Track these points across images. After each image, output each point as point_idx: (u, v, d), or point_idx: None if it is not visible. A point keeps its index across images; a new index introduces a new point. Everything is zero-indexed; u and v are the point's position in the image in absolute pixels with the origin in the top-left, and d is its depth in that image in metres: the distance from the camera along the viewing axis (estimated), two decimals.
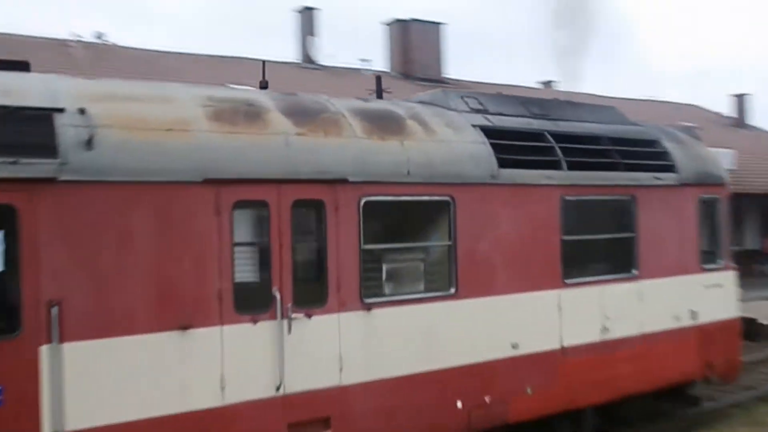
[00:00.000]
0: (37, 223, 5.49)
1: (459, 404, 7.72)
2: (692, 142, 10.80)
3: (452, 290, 7.74)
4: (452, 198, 7.71)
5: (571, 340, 8.69)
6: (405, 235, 7.91)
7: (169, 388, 6.03)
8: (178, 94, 6.68)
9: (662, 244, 9.69)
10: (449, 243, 7.75)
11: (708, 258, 10.31)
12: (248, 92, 7.68)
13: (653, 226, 9.57)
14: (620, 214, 9.44)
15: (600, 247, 9.35)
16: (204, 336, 6.20)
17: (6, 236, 5.51)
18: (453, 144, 7.93)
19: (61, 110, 5.69)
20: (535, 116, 9.16)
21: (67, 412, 5.56)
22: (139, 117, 6.13)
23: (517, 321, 8.26)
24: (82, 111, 5.76)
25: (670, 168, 9.89)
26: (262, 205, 6.62)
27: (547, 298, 8.54)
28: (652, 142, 10.08)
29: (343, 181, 6.98)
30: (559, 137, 8.97)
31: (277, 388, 6.53)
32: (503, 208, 8.16)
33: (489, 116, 8.65)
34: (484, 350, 7.94)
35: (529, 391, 8.30)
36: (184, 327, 6.10)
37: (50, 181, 5.51)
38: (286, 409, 6.59)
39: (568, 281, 8.67)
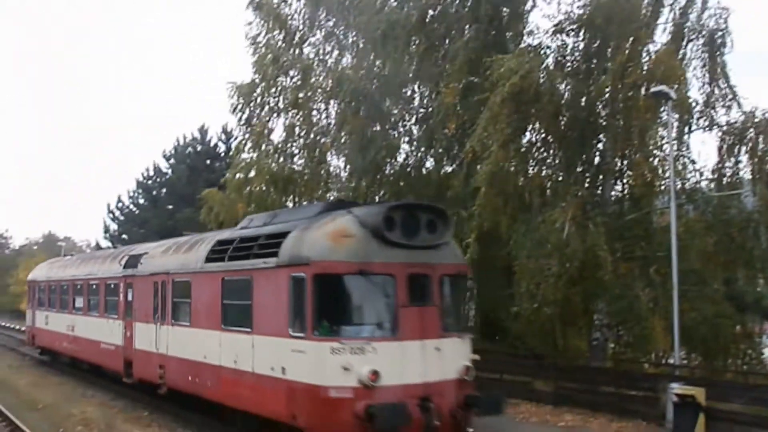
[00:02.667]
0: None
1: (189, 377, 16.22)
2: (342, 228, 12.30)
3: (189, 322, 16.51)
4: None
5: (223, 362, 14.52)
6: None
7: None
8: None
9: (265, 311, 13.08)
10: (189, 300, 16.54)
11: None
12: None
13: (260, 298, 13.28)
14: (246, 288, 13.70)
15: (240, 310, 14.03)
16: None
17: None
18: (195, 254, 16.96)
19: None
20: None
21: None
22: None
23: (205, 344, 15.33)
24: None
25: (274, 254, 12.75)
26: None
27: (215, 335, 14.94)
28: (279, 235, 13.14)
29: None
30: (224, 242, 15.50)
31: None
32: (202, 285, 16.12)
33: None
34: (195, 355, 15.94)
35: (209, 383, 15.17)
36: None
37: None
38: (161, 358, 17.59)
39: (224, 327, 14.64)
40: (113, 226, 43.09)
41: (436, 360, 12.22)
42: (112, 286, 21.95)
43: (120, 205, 42.97)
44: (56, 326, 27.74)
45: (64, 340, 26.80)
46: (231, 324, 14.49)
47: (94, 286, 23.81)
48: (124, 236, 41.82)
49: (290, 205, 28.45)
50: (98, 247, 44.16)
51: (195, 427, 17.68)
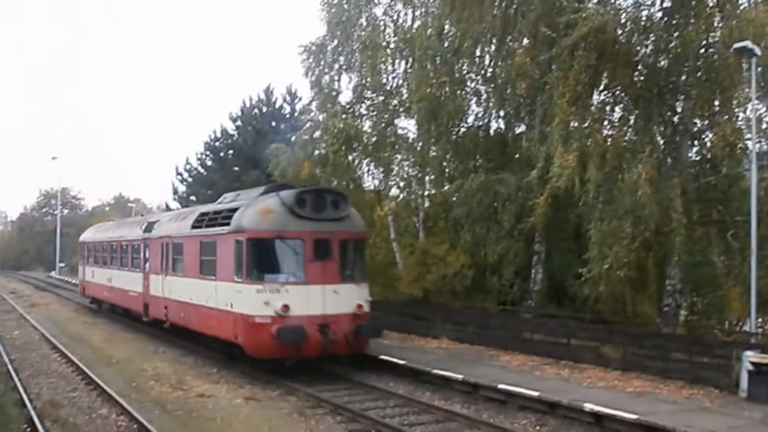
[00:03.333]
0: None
1: (182, 315, 21.86)
2: (267, 207, 18.17)
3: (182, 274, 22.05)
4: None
5: (201, 301, 20.38)
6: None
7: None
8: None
9: (222, 264, 18.94)
10: (182, 257, 22.16)
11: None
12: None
13: (220, 255, 19.13)
14: (213, 248, 19.68)
15: (210, 263, 19.89)
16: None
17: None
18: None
19: None
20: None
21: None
22: None
23: (191, 289, 21.04)
24: None
25: (228, 224, 18.77)
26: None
27: (196, 282, 20.84)
28: (232, 210, 19.15)
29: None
30: (203, 214, 21.45)
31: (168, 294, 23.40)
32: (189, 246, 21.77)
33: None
34: (185, 297, 21.37)
35: (193, 318, 20.96)
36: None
37: None
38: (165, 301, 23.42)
39: (201, 276, 20.57)
40: (181, 188, 44.09)
41: (334, 299, 18.03)
42: (136, 246, 27.92)
43: (188, 167, 43.85)
44: (99, 279, 34.25)
45: (105, 291, 33.15)
46: (205, 274, 20.24)
47: (124, 246, 29.81)
48: (192, 197, 42.73)
49: (359, 166, 28.81)
50: (167, 208, 45.39)
51: (262, 384, 18.22)
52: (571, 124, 18.62)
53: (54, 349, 22.95)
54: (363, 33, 27.72)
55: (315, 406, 15.70)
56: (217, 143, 42.35)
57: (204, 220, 20.94)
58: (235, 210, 19.00)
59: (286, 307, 17.16)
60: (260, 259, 17.98)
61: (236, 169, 38.94)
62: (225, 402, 15.37)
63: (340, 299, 18.11)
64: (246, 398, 15.72)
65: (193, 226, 21.54)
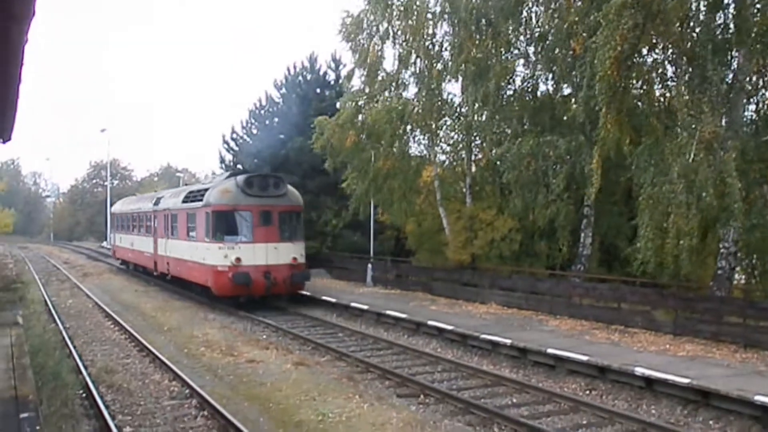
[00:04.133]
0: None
1: (178, 269, 29.10)
2: (226, 188, 25.46)
3: (177, 237, 29.11)
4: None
5: (188, 257, 27.37)
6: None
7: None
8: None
9: (199, 229, 25.70)
10: (177, 224, 29.41)
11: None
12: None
13: (198, 222, 25.84)
14: (194, 217, 26.53)
15: (192, 228, 26.89)
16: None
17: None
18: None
19: None
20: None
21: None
22: None
23: (182, 248, 28.17)
24: None
25: (201, 200, 25.82)
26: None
27: (185, 243, 27.96)
28: (205, 190, 26.20)
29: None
30: (190, 192, 28.50)
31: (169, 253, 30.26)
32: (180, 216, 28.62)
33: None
34: (179, 255, 28.66)
35: (184, 271, 27.85)
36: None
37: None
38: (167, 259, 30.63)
39: (188, 238, 27.59)
40: (228, 157, 44.41)
41: (274, 254, 24.99)
42: (148, 216, 34.90)
43: (234, 135, 44.11)
44: (125, 243, 41.67)
45: (129, 252, 40.62)
46: (190, 237, 27.41)
47: (141, 217, 36.90)
48: (239, 166, 43.11)
49: (404, 133, 28.81)
50: (214, 176, 46.05)
51: (310, 350, 18.55)
52: (618, 85, 18.18)
53: (107, 317, 23.61)
54: None
55: (364, 371, 15.95)
56: (262, 111, 42.49)
57: (189, 197, 27.93)
58: (206, 190, 26.33)
59: (238, 259, 24.43)
60: (221, 226, 24.97)
61: (281, 136, 39.07)
62: (274, 367, 15.67)
63: (279, 253, 25.20)
64: (295, 364, 16.00)
65: (183, 201, 28.47)
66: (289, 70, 41.77)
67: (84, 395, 13.15)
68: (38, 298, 26.50)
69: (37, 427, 6.83)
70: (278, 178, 26.34)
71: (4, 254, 52.22)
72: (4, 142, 12.57)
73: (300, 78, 41.15)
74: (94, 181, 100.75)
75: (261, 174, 27.03)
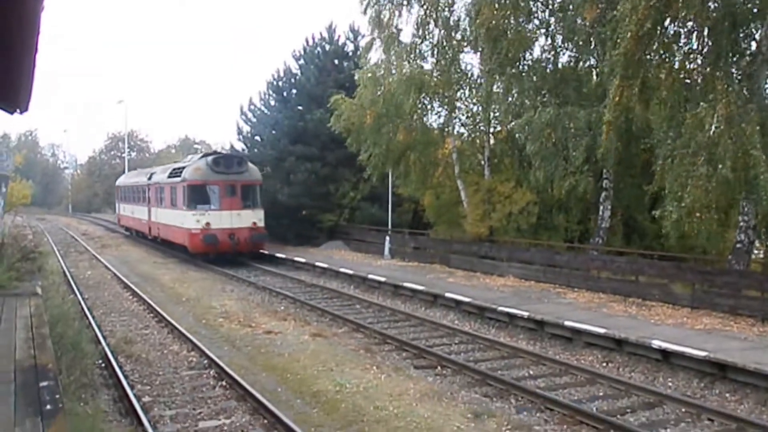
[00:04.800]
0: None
1: (163, 232, 35.42)
2: (198, 166, 31.37)
3: (164, 206, 35.16)
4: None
5: (171, 222, 33.59)
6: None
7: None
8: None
9: (179, 199, 31.75)
10: (164, 196, 35.22)
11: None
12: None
13: (177, 194, 32.01)
14: (175, 190, 32.49)
15: (174, 199, 32.93)
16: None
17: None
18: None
19: None
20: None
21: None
22: None
23: (167, 215, 34.38)
24: None
25: (179, 176, 31.90)
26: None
27: (169, 210, 33.84)
28: (183, 168, 32.43)
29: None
30: (173, 169, 34.78)
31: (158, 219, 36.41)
32: (165, 189, 34.74)
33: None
34: (165, 221, 34.79)
35: (168, 234, 34.14)
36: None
37: None
38: (157, 224, 36.72)
39: (171, 206, 33.39)
40: (246, 128, 44.40)
41: (237, 219, 30.40)
42: (144, 189, 40.38)
43: (252, 107, 44.03)
44: (127, 212, 47.72)
45: (130, 220, 46.53)
46: (173, 206, 33.02)
47: (139, 189, 42.46)
48: (257, 137, 43.13)
49: (422, 105, 28.66)
50: (232, 148, 46.29)
51: (328, 321, 18.69)
52: (636, 57, 17.92)
53: (126, 288, 23.87)
54: None
55: (381, 342, 16.06)
56: (280, 83, 42.33)
57: (172, 173, 33.78)
58: (184, 168, 32.47)
59: (208, 224, 30.06)
60: (194, 197, 30.69)
61: (300, 108, 39.00)
62: (292, 338, 15.82)
63: (241, 219, 30.82)
64: (313, 335, 16.14)
65: (168, 177, 34.20)
66: (307, 41, 41.54)
67: (103, 365, 13.36)
68: (57, 269, 26.78)
69: (56, 396, 6.95)
70: (240, 158, 32.87)
71: (23, 225, 52.69)
72: (21, 113, 12.62)
73: (318, 49, 40.93)
74: (112, 152, 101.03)
75: (226, 154, 33.92)
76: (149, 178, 39.00)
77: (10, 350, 9.13)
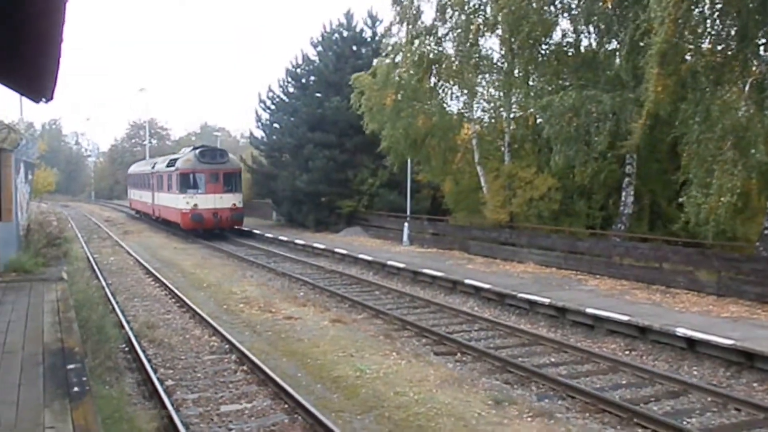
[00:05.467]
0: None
1: (161, 213, 42.64)
2: (188, 158, 38.61)
3: (163, 191, 41.66)
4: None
5: (169, 204, 39.91)
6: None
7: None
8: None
9: (174, 185, 38.21)
10: (164, 182, 41.59)
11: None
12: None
13: (173, 181, 38.44)
14: (171, 178, 38.80)
15: (170, 185, 39.28)
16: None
17: None
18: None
19: None
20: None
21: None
22: None
23: (165, 199, 41.16)
24: None
25: (174, 166, 38.68)
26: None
27: (166, 194, 40.61)
28: (177, 159, 39.97)
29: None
30: (170, 159, 42.03)
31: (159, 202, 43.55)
32: (164, 176, 41.23)
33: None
34: (164, 203, 41.54)
35: (165, 214, 41.58)
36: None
37: None
38: (158, 207, 43.65)
39: (168, 191, 39.96)
40: (265, 115, 44.47)
41: (220, 201, 36.99)
42: (148, 176, 47.23)
43: (270, 94, 44.08)
44: (135, 197, 55.32)
45: (139, 204, 53.29)
46: (169, 191, 39.15)
47: (144, 176, 49.74)
48: (276, 125, 43.20)
49: (442, 89, 28.50)
50: (251, 135, 46.88)
51: (347, 307, 18.74)
52: (670, 41, 17.64)
53: (147, 274, 24.07)
54: None
55: (401, 329, 16.07)
56: (298, 70, 42.32)
57: (169, 163, 40.32)
58: (177, 159, 39.53)
59: (196, 205, 36.71)
60: (185, 182, 37.33)
61: (318, 95, 38.99)
62: (312, 324, 15.89)
63: (223, 200, 37.38)
64: (332, 321, 16.20)
65: (166, 166, 40.70)
66: (325, 27, 41.45)
67: (127, 349, 13.50)
68: (81, 255, 27.07)
69: (83, 378, 7.02)
70: (223, 151, 41.01)
71: (48, 212, 53.32)
72: (46, 102, 12.71)
73: (336, 35, 40.82)
74: (133, 140, 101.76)
75: (211, 148, 42.34)
76: (152, 167, 46.06)
77: (38, 333, 9.24)
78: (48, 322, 9.90)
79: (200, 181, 37.04)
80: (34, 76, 9.08)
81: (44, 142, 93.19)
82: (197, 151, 38.49)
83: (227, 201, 37.23)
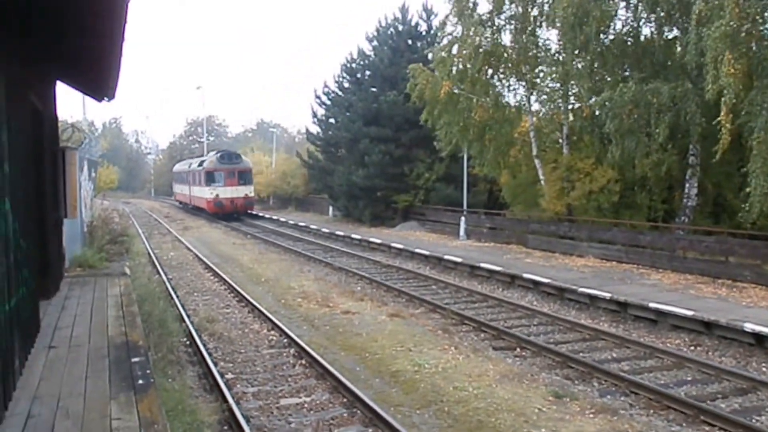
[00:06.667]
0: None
1: (195, 202, 56.54)
2: (211, 159, 52.39)
3: (198, 185, 55.38)
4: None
5: (203, 195, 51.48)
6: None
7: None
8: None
9: (204, 180, 51.73)
10: (198, 179, 55.37)
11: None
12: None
13: (202, 178, 52.33)
14: (201, 174, 52.60)
15: (200, 181, 53.83)
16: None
17: None
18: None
19: None
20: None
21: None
22: None
23: (199, 191, 54.10)
24: None
25: (202, 165, 52.79)
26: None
27: (198, 187, 53.82)
28: (205, 161, 53.81)
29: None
30: (201, 160, 56.62)
31: (193, 194, 56.84)
32: (198, 174, 54.37)
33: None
34: (197, 194, 54.82)
35: (198, 203, 55.02)
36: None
37: None
38: (192, 197, 57.74)
39: (202, 185, 52.47)
40: (320, 111, 44.83)
41: (236, 192, 49.54)
42: (187, 174, 58.96)
43: (326, 90, 44.40)
44: (178, 190, 67.75)
45: (179, 196, 66.07)
46: (198, 184, 53.09)
47: (184, 174, 61.35)
48: (331, 120, 43.50)
49: (499, 81, 28.28)
50: (307, 131, 48.06)
51: (405, 302, 18.74)
52: (733, 24, 17.15)
53: (207, 269, 24.46)
54: None
55: (459, 323, 16.00)
56: (353, 65, 42.52)
57: (199, 164, 52.49)
58: (204, 161, 52.03)
59: (217, 195, 48.39)
60: (209, 178, 49.23)
61: (373, 89, 39.05)
62: (370, 318, 15.92)
63: (238, 192, 48.89)
64: (390, 315, 16.20)
65: (197, 166, 53.09)
66: (380, 22, 41.53)
67: (188, 343, 13.74)
68: (142, 251, 27.66)
69: (147, 371, 7.16)
70: (237, 154, 54.45)
71: (110, 209, 54.76)
72: (109, 100, 13.03)
73: (391, 29, 40.83)
74: (191, 137, 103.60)
75: (228, 152, 54.91)
76: (189, 167, 58.64)
77: (103, 327, 9.47)
78: (112, 316, 10.14)
79: (220, 177, 49.02)
80: (97, 76, 9.28)
81: (106, 140, 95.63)
82: (218, 154, 51.97)
83: (241, 192, 49.31)
